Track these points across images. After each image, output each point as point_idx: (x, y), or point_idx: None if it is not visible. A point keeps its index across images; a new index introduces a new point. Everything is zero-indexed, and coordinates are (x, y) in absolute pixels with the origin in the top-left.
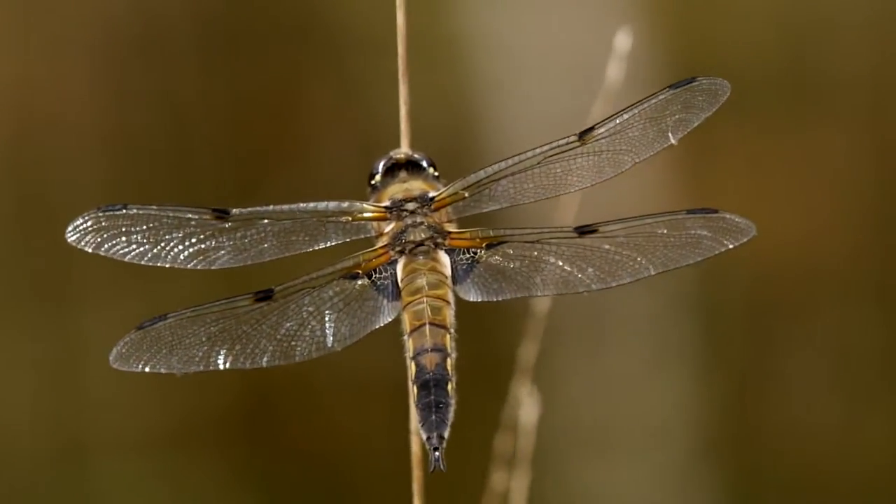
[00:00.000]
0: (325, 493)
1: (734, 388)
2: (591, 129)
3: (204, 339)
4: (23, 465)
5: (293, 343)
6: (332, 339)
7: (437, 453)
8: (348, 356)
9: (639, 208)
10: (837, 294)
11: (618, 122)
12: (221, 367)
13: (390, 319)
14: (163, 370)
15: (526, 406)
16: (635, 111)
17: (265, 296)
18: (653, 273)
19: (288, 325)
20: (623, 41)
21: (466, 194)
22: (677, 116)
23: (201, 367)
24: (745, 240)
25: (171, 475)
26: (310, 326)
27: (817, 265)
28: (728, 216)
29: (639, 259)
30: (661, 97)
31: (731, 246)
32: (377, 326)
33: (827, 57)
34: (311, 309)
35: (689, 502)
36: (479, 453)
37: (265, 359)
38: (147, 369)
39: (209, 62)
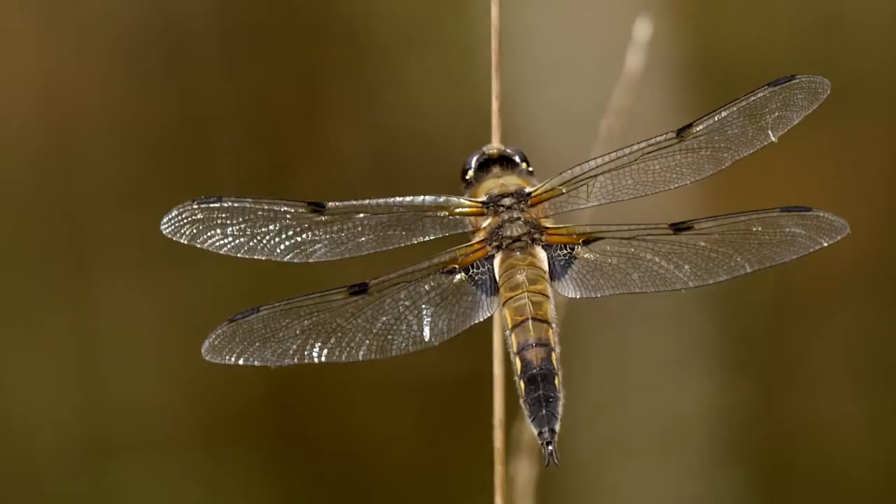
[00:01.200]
0: (349, 491)
1: (758, 387)
2: (690, 125)
3: (298, 332)
4: (47, 463)
5: (390, 337)
6: (429, 333)
7: (549, 447)
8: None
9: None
10: (864, 293)
11: (716, 119)
12: (316, 360)
13: (489, 314)
14: (256, 363)
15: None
16: (734, 108)
17: (360, 289)
18: (749, 271)
19: (384, 319)
20: (643, 31)
21: (564, 190)
22: (777, 114)
23: (296, 360)
24: (839, 237)
25: (195, 473)
26: (406, 321)
27: (843, 264)
28: (822, 214)
29: (735, 256)
30: (759, 95)
31: (825, 244)
32: (476, 321)
33: (853, 53)
34: (407, 303)
35: (713, 502)
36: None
37: (361, 352)
38: (241, 362)
39: (231, 61)
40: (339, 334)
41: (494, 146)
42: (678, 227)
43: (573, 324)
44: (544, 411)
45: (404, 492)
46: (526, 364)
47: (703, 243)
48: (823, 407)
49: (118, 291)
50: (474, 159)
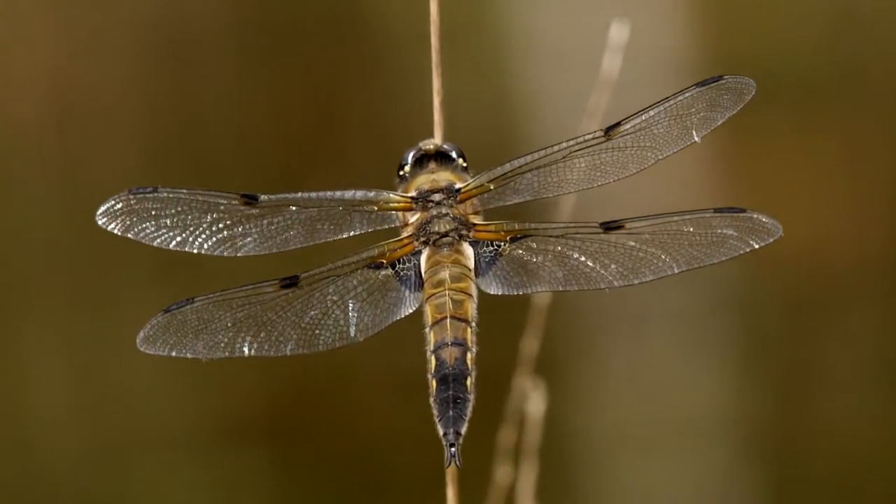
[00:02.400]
0: (363, 488)
1: (775, 384)
2: (618, 124)
3: (230, 324)
4: (64, 461)
5: (317, 332)
6: (354, 328)
7: (452, 449)
8: (386, 354)
9: (675, 205)
10: (879, 289)
11: (644, 117)
12: (246, 353)
13: (412, 311)
14: (188, 355)
15: (532, 400)
16: (661, 108)
17: (291, 282)
18: (676, 271)
19: (312, 313)
20: (618, 33)
21: (492, 186)
22: (702, 114)
23: (226, 354)
24: (771, 240)
25: (210, 471)
26: (333, 315)
27: (859, 260)
28: (755, 216)
29: (663, 257)
30: (686, 94)
31: (756, 246)
32: (399, 317)
33: (866, 52)
34: (335, 298)
35: (730, 499)
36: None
37: (289, 347)
38: (173, 353)
39: (246, 58)
40: (269, 328)
41: (431, 142)
42: (609, 226)
43: (591, 321)
44: (451, 412)
45: (417, 488)
46: (440, 363)
47: (632, 243)
48: (841, 404)
49: (137, 289)
50: (410, 154)
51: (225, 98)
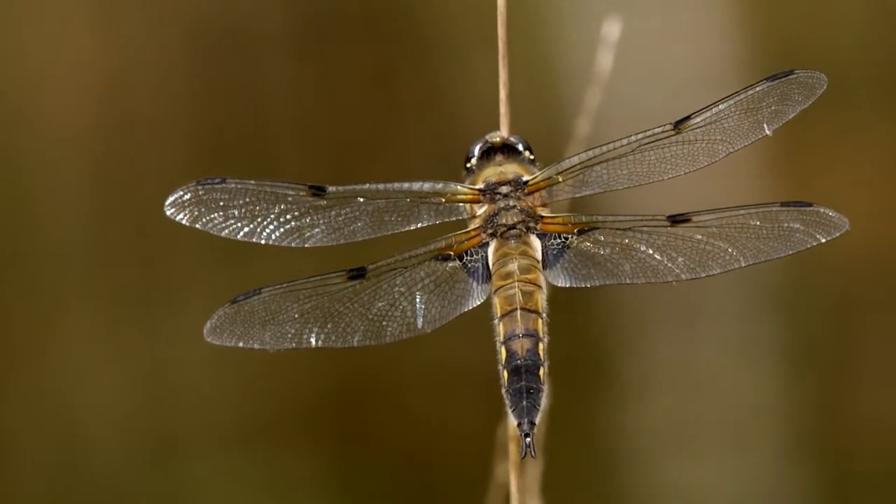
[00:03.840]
0: (415, 484)
1: (822, 384)
2: (688, 118)
3: (297, 315)
4: (114, 460)
5: (384, 323)
6: (422, 320)
7: (528, 439)
8: (436, 351)
9: (735, 199)
10: None
11: (714, 111)
12: (313, 344)
13: (479, 302)
14: (255, 346)
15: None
16: (731, 102)
17: (358, 274)
18: (743, 265)
19: (379, 304)
20: (612, 31)
21: (560, 179)
22: (773, 108)
23: (293, 345)
24: (837, 234)
25: (262, 469)
26: (401, 307)
27: None
28: (822, 210)
29: (730, 250)
30: (757, 89)
31: (823, 240)
32: (466, 309)
33: None
34: (402, 289)
35: (776, 499)
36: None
37: (356, 338)
38: (240, 344)
39: (298, 55)
40: (336, 319)
41: (498, 134)
42: (676, 220)
43: (638, 321)
44: (525, 402)
45: (467, 485)
46: (511, 354)
47: (699, 236)
48: (888, 404)
49: (184, 288)
50: (477, 147)
51: (279, 93)
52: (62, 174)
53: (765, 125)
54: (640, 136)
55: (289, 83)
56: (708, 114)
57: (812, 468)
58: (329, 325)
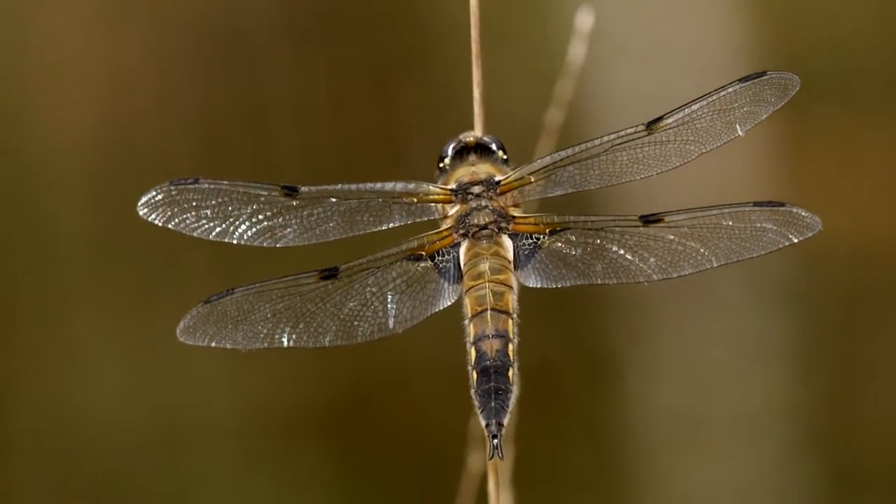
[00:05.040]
0: (419, 484)
1: (831, 379)
2: (660, 118)
3: (269, 315)
4: (117, 456)
5: (356, 323)
6: (393, 320)
7: (495, 440)
8: (443, 350)
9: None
10: None
11: (686, 112)
12: (285, 344)
13: (451, 303)
14: (228, 346)
15: None
16: (704, 102)
17: (330, 274)
18: (715, 265)
19: (351, 304)
20: (585, 21)
21: (532, 179)
22: (746, 109)
23: (265, 345)
24: (810, 235)
25: (265, 466)
26: (372, 307)
27: None
28: (794, 210)
29: (701, 250)
30: (729, 90)
31: (795, 240)
32: (437, 309)
33: None
34: (374, 289)
35: (787, 496)
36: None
37: (328, 338)
38: (213, 344)
39: (299, 54)
40: (308, 319)
41: (472, 134)
42: (648, 219)
43: (645, 314)
44: (493, 403)
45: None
46: (480, 355)
47: (671, 236)
48: None
49: (191, 286)
50: (450, 147)
51: (282, 91)
52: (69, 173)
53: (737, 126)
54: (612, 136)
55: (292, 81)
56: (680, 114)
57: (821, 462)
58: (301, 325)
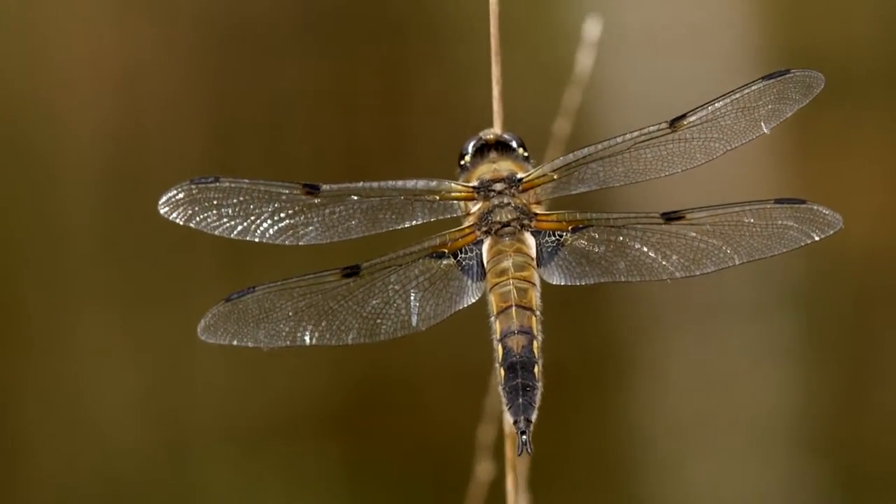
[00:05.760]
0: (431, 482)
1: (843, 382)
2: (683, 116)
3: (291, 313)
4: (128, 456)
5: (378, 321)
6: (416, 317)
7: (524, 437)
8: (453, 350)
9: (751, 195)
10: None
11: (709, 110)
12: (307, 342)
13: (474, 300)
14: (249, 344)
15: None
16: (728, 100)
17: (352, 271)
18: (737, 263)
19: (374, 302)
20: (592, 29)
21: (555, 176)
22: (770, 107)
23: (287, 343)
24: (831, 232)
25: (277, 465)
26: (395, 304)
27: None
28: (816, 207)
29: (724, 248)
30: (754, 87)
31: (817, 238)
32: (461, 307)
33: None
34: (396, 287)
35: (794, 497)
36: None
37: (351, 336)
38: (234, 342)
39: (311, 53)
40: (331, 317)
41: (492, 131)
42: (669, 216)
43: (655, 316)
44: (521, 400)
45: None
46: (507, 351)
47: (693, 234)
48: None
49: (201, 283)
50: (471, 144)
51: (292, 89)
52: (79, 170)
53: (762, 124)
54: (635, 133)
55: (302, 79)
56: (703, 112)
57: (830, 464)
58: (323, 323)
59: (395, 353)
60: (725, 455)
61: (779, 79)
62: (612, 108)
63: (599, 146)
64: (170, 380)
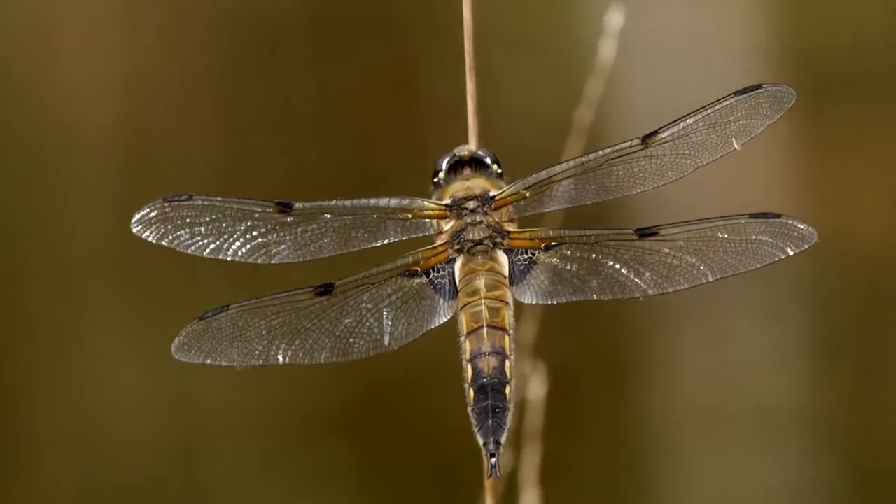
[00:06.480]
0: (437, 485)
1: (854, 379)
2: (655, 132)
3: (264, 332)
4: (137, 457)
5: (351, 340)
6: (388, 337)
7: (493, 459)
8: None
9: (758, 196)
10: None
11: (681, 126)
12: (280, 361)
13: (446, 319)
14: (223, 363)
15: (532, 384)
16: (699, 116)
17: (325, 290)
18: (711, 279)
19: (346, 321)
20: (614, 20)
21: (528, 194)
22: (741, 122)
23: (261, 362)
24: (805, 247)
25: (285, 467)
26: (367, 323)
27: None
28: (790, 221)
29: (697, 264)
30: (725, 103)
31: (791, 252)
32: (433, 326)
33: None
34: (369, 306)
35: (807, 494)
36: None
37: (323, 355)
38: (208, 361)
39: (323, 57)
40: (304, 335)
41: (466, 148)
42: (643, 232)
43: (667, 313)
44: (490, 422)
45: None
46: (477, 372)
47: (666, 250)
48: None
49: (210, 285)
50: (445, 161)
51: (303, 90)
52: (89, 172)
53: (733, 139)
54: (607, 150)
55: (312, 80)
56: (675, 128)
57: (840, 464)
58: (296, 342)
59: (405, 353)
60: (736, 454)
61: (751, 94)
62: (627, 103)
63: (571, 163)
64: (179, 381)
